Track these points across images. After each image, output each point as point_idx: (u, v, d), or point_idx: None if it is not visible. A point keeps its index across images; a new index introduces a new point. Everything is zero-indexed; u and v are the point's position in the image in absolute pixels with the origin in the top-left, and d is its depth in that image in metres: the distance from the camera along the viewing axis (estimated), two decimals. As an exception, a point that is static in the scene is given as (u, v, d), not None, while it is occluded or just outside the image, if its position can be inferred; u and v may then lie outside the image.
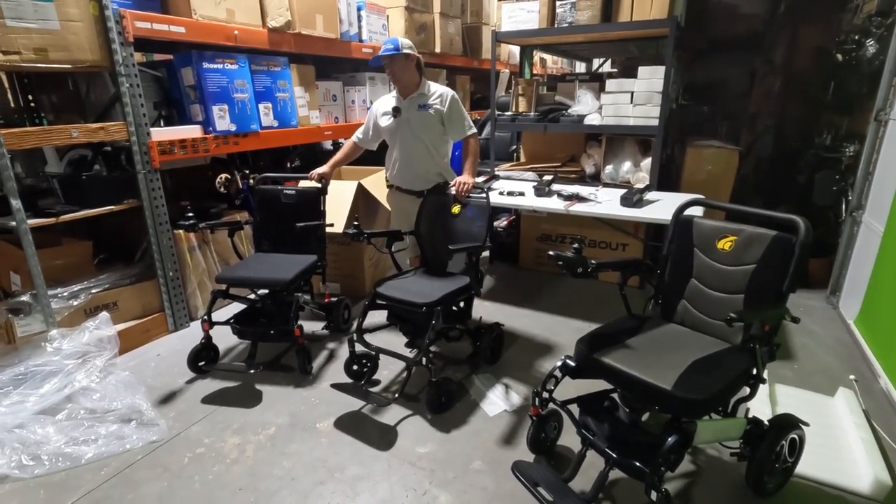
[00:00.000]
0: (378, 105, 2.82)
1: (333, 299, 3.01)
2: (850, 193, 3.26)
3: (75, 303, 2.64)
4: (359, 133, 2.91)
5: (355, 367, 2.47)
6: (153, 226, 2.86)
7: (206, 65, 2.92)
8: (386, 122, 2.72)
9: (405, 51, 2.53)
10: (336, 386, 2.28)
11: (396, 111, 2.67)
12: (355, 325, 2.38)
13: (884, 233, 2.67)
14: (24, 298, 2.48)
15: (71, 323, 2.53)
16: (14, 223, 2.28)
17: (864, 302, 2.85)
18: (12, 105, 3.08)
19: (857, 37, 3.59)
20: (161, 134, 2.83)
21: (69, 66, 2.43)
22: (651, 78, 3.32)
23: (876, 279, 2.72)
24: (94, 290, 2.75)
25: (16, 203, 2.25)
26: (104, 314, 2.54)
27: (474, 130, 2.74)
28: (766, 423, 1.74)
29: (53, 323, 2.46)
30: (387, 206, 3.43)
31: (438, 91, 2.68)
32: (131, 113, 2.65)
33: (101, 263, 3.05)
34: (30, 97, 3.11)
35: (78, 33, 2.41)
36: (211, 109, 2.99)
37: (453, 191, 2.58)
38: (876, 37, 3.39)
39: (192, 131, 2.99)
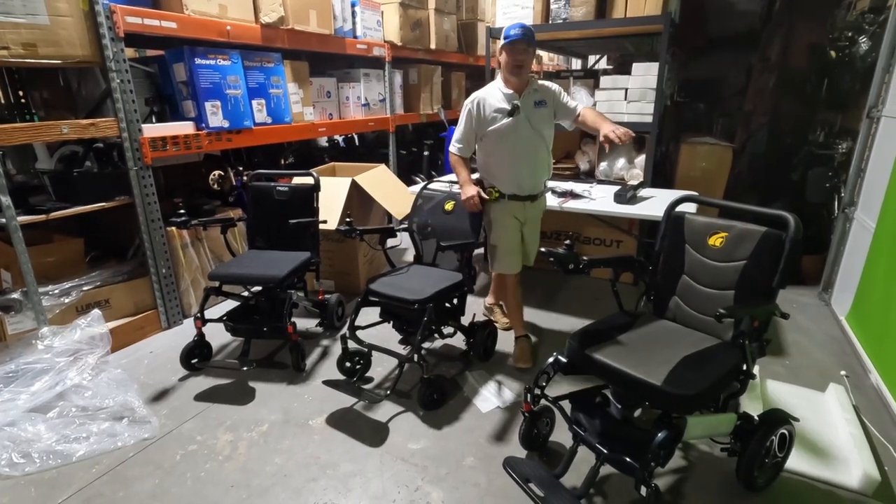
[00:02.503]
0: (479, 103, 2.40)
1: (327, 296, 3.01)
2: (842, 190, 3.27)
3: (67, 300, 2.62)
4: (457, 145, 2.49)
5: (348, 364, 2.46)
6: (145, 223, 2.85)
7: (198, 60, 2.90)
8: (499, 121, 2.36)
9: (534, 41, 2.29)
10: (329, 383, 2.28)
11: (515, 109, 2.34)
12: (348, 322, 2.38)
13: (875, 229, 2.68)
14: (15, 296, 2.47)
15: (62, 320, 2.52)
16: (4, 220, 2.27)
17: (855, 298, 2.86)
18: (2, 101, 3.06)
19: (850, 34, 3.59)
20: (153, 130, 2.81)
21: (59, 61, 2.41)
22: (645, 75, 3.32)
23: (867, 275, 2.73)
24: (85, 288, 2.73)
25: (5, 200, 2.23)
26: (96, 311, 2.53)
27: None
28: (757, 418, 1.75)
29: (44, 320, 2.45)
30: (382, 203, 3.44)
31: (544, 85, 2.45)
32: (122, 109, 2.63)
33: (93, 261, 3.03)
34: (20, 93, 3.09)
35: (68, 28, 2.39)
36: (203, 106, 2.97)
37: (603, 140, 2.23)
38: (869, 34, 3.39)
39: (184, 128, 2.97)
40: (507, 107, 2.35)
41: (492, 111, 2.38)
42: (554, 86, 2.47)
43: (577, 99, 3.64)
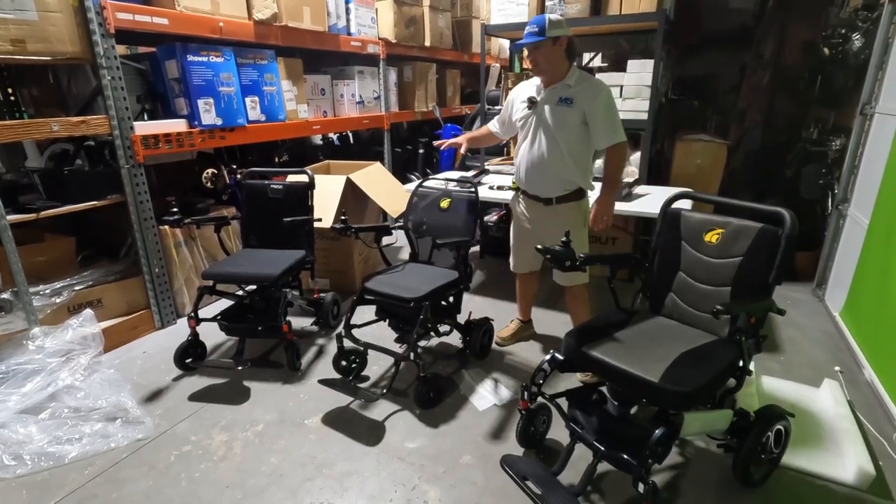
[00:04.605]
0: (518, 91, 2.44)
1: (322, 295, 2.99)
2: (836, 187, 3.29)
3: (58, 300, 2.59)
4: (495, 121, 2.62)
5: (344, 363, 2.45)
6: (138, 221, 2.82)
7: (190, 57, 2.87)
8: (520, 111, 2.37)
9: (553, 33, 2.08)
10: (324, 382, 2.27)
11: (532, 102, 2.29)
12: (344, 320, 2.36)
13: (868, 226, 2.69)
14: (5, 296, 2.43)
15: (54, 321, 2.48)
16: (-7, 219, 2.24)
17: (849, 294, 2.88)
18: (-9, 98, 3.01)
19: (843, 31, 3.61)
20: (145, 128, 2.78)
21: (48, 58, 2.38)
22: (640, 72, 3.32)
23: (861, 272, 2.74)
24: (77, 287, 2.70)
25: (-6, 199, 2.21)
26: (88, 311, 2.50)
27: (624, 139, 2.22)
28: (753, 414, 1.75)
29: (35, 321, 2.42)
30: (377, 201, 3.42)
31: (588, 83, 2.21)
32: (113, 106, 2.60)
33: (84, 260, 2.99)
34: (9, 90, 3.04)
35: (57, 24, 2.35)
36: (196, 103, 2.94)
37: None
38: (862, 31, 3.41)
39: (176, 125, 2.94)
40: (527, 99, 2.32)
41: (520, 100, 2.38)
42: (603, 91, 2.18)
43: None
